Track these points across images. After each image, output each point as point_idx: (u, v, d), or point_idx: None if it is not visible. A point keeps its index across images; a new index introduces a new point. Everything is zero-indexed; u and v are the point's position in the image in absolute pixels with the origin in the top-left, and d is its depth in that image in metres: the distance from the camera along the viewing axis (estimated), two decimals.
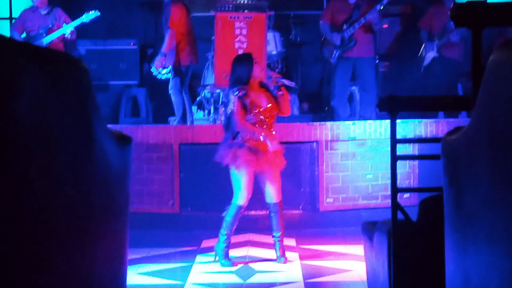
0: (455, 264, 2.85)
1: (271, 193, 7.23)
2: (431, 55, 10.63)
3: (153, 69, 10.15)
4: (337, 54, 10.22)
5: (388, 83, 11.51)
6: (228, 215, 7.26)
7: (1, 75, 2.30)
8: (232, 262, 7.29)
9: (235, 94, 7.08)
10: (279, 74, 7.28)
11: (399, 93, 10.32)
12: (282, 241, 7.33)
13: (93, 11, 10.15)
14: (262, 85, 7.32)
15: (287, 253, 7.49)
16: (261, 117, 7.13)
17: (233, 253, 7.63)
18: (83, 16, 10.13)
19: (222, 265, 7.25)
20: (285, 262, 7.28)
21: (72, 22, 10.20)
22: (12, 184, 2.34)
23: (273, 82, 7.46)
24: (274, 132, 7.24)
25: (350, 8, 10.30)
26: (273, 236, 7.34)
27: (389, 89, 10.89)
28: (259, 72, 7.26)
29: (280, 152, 7.21)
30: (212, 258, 7.41)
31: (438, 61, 10.61)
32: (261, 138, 7.04)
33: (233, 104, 7.10)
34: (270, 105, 7.16)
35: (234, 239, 7.74)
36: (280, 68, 11.13)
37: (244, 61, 7.28)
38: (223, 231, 7.27)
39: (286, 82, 7.39)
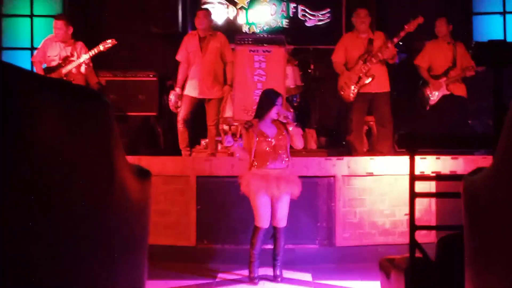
0: None
1: (276, 217, 7.75)
2: (438, 92, 10.49)
3: None
4: (355, 91, 10.21)
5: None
6: (252, 236, 7.82)
7: (24, 110, 2.32)
8: (254, 279, 7.82)
9: (244, 126, 7.84)
10: (288, 112, 7.85)
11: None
12: (280, 261, 7.87)
13: (109, 40, 10.22)
14: (277, 120, 7.86)
15: None
16: (269, 146, 7.74)
17: (249, 286, 7.68)
18: (100, 45, 10.20)
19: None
20: (279, 282, 7.80)
21: (89, 52, 10.26)
22: (35, 216, 2.35)
23: (281, 118, 7.85)
24: (285, 161, 7.78)
25: (363, 43, 10.29)
26: (273, 259, 7.89)
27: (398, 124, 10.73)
28: (274, 114, 7.82)
29: (293, 179, 7.80)
30: None
31: (448, 99, 10.44)
32: (227, 145, 7.72)
33: (242, 135, 7.88)
34: (279, 136, 7.77)
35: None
36: (299, 102, 11.14)
37: (265, 98, 7.96)
38: (250, 251, 7.86)
39: (289, 118, 7.89)
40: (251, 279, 7.81)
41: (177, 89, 10.42)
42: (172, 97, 10.46)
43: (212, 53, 10.38)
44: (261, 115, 7.85)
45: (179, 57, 10.51)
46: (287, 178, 7.74)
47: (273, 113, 7.79)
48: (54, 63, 10.43)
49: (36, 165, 2.33)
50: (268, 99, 7.89)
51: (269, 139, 7.74)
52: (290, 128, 7.75)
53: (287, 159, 7.80)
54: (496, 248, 2.55)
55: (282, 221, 7.75)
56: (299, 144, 7.85)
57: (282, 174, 7.73)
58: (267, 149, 7.72)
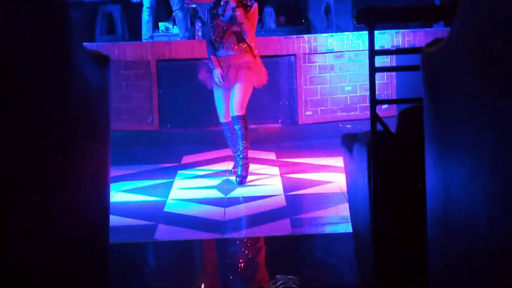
0: (435, 175, 2.87)
1: (232, 106, 7.21)
2: None
3: None
4: None
5: None
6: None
7: None
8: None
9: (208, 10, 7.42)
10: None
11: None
12: (242, 159, 7.31)
13: None
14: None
15: (268, 168, 7.63)
16: (221, 30, 7.25)
17: (214, 167, 7.76)
18: None
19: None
20: (242, 185, 7.24)
21: None
22: None
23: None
24: (239, 48, 7.25)
25: None
26: (233, 153, 7.49)
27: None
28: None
29: (254, 65, 7.26)
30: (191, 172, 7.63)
31: None
32: (210, 66, 7.29)
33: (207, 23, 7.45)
34: (232, 21, 7.21)
35: (215, 154, 7.91)
36: None
37: None
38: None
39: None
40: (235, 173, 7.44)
41: None
42: None
43: None
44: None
45: None
46: (241, 65, 7.23)
47: None
48: None
49: None
50: None
51: (222, 24, 7.25)
52: (237, 13, 7.16)
53: (243, 46, 7.27)
54: (454, 118, 2.58)
55: (235, 109, 7.19)
56: (243, 26, 7.22)
57: (236, 61, 7.23)
58: (220, 33, 7.26)
